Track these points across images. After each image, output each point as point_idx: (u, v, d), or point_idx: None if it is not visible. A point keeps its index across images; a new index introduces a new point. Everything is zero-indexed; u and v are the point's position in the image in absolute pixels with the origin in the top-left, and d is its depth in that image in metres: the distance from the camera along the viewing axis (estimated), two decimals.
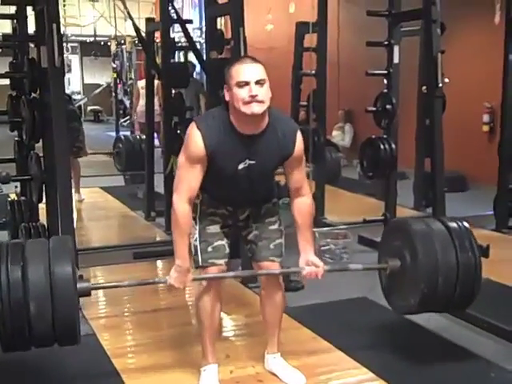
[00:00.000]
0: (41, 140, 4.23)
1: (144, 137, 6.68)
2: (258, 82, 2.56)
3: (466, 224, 3.12)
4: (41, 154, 4.28)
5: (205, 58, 5.07)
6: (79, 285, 2.65)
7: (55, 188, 3.95)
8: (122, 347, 3.49)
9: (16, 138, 4.97)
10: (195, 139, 2.61)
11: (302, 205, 2.84)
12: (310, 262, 2.84)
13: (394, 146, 5.13)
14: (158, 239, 5.65)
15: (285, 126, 2.70)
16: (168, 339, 3.53)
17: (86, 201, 7.20)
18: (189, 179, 2.65)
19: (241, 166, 2.68)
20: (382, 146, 5.12)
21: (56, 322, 2.50)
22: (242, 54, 4.22)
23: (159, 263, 5.10)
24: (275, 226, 2.92)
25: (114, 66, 15.84)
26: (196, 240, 2.82)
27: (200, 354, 2.99)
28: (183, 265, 2.70)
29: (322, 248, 5.12)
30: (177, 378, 3.02)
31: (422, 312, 3.04)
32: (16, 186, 5.32)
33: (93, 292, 4.29)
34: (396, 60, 5.15)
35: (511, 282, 3.84)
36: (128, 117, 15.75)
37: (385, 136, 5.20)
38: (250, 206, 2.89)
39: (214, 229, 2.84)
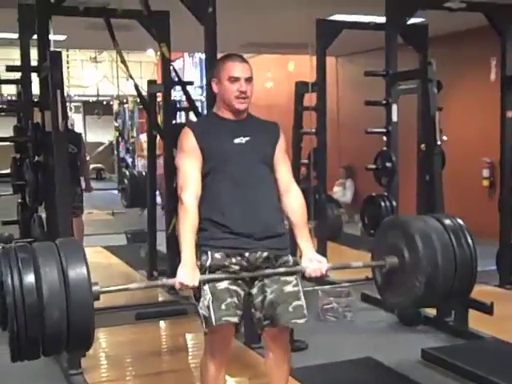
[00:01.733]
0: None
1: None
2: (247, 80, 2.80)
3: (460, 220, 3.22)
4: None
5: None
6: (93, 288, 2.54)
7: None
8: None
9: (19, 200, 5.02)
10: (186, 134, 2.78)
11: (294, 200, 2.87)
12: (312, 259, 2.82)
13: (394, 203, 5.15)
14: (160, 299, 5.62)
15: (264, 120, 2.97)
16: None
17: (89, 261, 7.14)
18: (190, 172, 2.73)
19: (237, 141, 2.79)
20: (382, 204, 5.15)
21: (71, 327, 2.40)
22: None
23: (162, 324, 5.07)
24: (291, 287, 2.80)
25: (116, 124, 16.09)
26: (208, 300, 2.70)
27: None
28: (191, 259, 2.65)
29: (325, 306, 5.09)
30: None
31: (420, 307, 3.02)
32: None
33: (95, 355, 4.37)
34: (395, 118, 5.22)
35: None
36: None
37: (385, 193, 5.23)
38: (261, 236, 2.76)
39: (224, 285, 2.72)
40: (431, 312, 4.86)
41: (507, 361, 3.24)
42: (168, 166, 5.67)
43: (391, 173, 5.20)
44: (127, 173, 8.05)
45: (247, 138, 2.80)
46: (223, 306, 2.67)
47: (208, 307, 2.69)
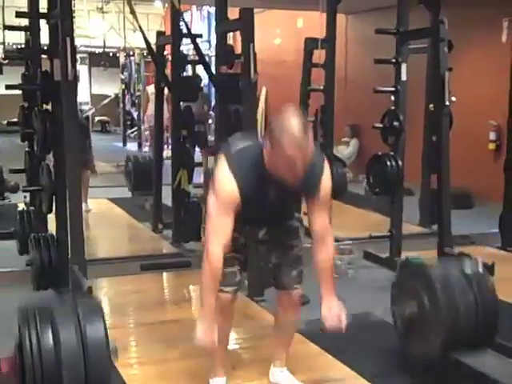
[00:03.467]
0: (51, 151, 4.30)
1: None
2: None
3: (480, 263, 3.16)
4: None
5: (214, 71, 5.12)
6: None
7: (65, 199, 3.99)
8: (128, 358, 3.51)
9: (27, 149, 5.03)
10: (229, 186, 2.57)
11: (326, 251, 2.78)
12: (332, 307, 2.77)
13: (400, 162, 5.15)
14: (164, 251, 5.69)
15: (314, 162, 2.59)
16: (175, 351, 3.54)
17: (94, 212, 7.25)
18: (223, 225, 2.60)
19: (270, 195, 2.71)
20: (388, 163, 5.14)
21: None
22: (252, 69, 4.26)
23: (166, 275, 5.13)
24: (295, 252, 2.92)
25: (123, 77, 15.98)
26: None
27: (208, 365, 3.01)
28: (210, 319, 2.63)
29: None
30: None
31: (441, 355, 3.01)
32: (25, 196, 5.38)
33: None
34: (404, 77, 5.18)
35: None
36: (135, 128, 15.85)
37: (391, 153, 5.23)
38: (269, 223, 2.88)
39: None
40: None
41: (508, 321, 3.27)
42: (175, 118, 5.67)
43: (398, 132, 5.19)
44: (132, 157, 8.04)
45: (278, 192, 2.68)
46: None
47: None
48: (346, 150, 10.48)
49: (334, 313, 2.75)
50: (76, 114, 3.93)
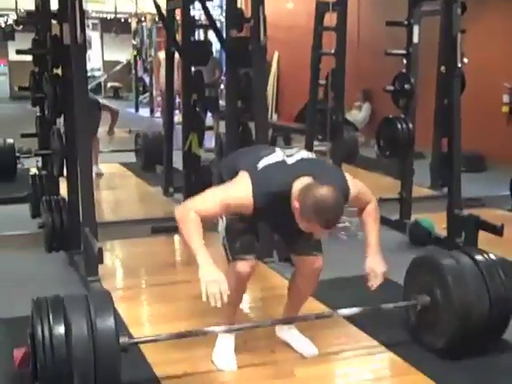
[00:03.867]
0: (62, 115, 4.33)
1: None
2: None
3: (492, 255, 3.12)
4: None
5: (224, 36, 5.09)
6: (121, 339, 2.57)
7: (76, 162, 4.04)
8: (138, 317, 3.60)
9: (38, 114, 5.07)
10: (246, 196, 2.60)
11: (368, 209, 2.95)
12: (376, 268, 2.90)
13: (411, 125, 5.13)
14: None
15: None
16: (185, 310, 3.60)
17: (106, 176, 7.32)
18: (212, 213, 2.63)
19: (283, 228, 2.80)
20: (399, 126, 5.12)
21: (99, 379, 2.44)
22: (262, 32, 4.23)
23: (176, 238, 5.19)
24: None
25: (134, 43, 15.90)
26: (224, 239, 2.85)
27: (216, 324, 3.05)
28: (209, 259, 2.56)
29: (338, 225, 5.16)
30: (193, 345, 3.07)
31: (455, 347, 3.00)
32: (37, 161, 5.43)
33: (112, 265, 4.51)
34: (416, 40, 5.15)
35: None
36: (147, 94, 15.84)
37: (402, 116, 5.21)
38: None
39: (241, 224, 2.81)
40: (442, 233, 4.95)
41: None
42: (185, 82, 5.66)
43: (409, 95, 5.17)
44: (141, 134, 8.00)
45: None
46: (237, 244, 2.81)
47: (224, 246, 2.85)
48: (358, 114, 10.44)
49: (378, 270, 2.88)
50: (86, 77, 3.94)
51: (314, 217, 2.51)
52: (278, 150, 2.81)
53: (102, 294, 2.77)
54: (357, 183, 2.84)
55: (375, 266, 2.87)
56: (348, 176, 2.79)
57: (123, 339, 2.59)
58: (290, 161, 2.73)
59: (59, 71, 4.37)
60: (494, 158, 7.91)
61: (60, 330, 2.43)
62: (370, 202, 2.94)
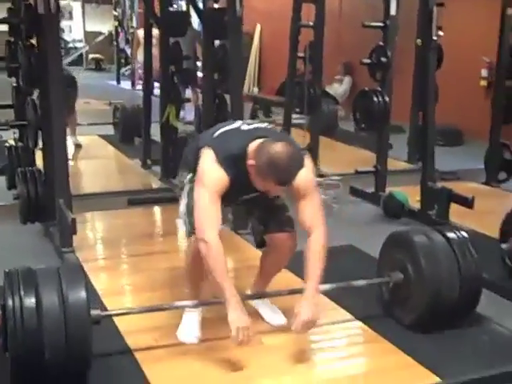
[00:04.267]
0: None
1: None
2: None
3: (464, 233, 3.16)
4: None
5: (202, 7, 5.06)
6: (92, 312, 2.59)
7: (51, 134, 4.03)
8: (113, 287, 3.62)
9: (14, 84, 5.04)
10: (217, 173, 2.58)
11: (314, 243, 2.75)
12: (309, 305, 2.70)
13: (387, 98, 5.16)
14: (153, 186, 5.76)
15: None
16: (161, 280, 3.62)
17: (84, 148, 7.30)
18: (215, 213, 2.60)
19: (244, 197, 2.78)
20: (375, 99, 5.14)
21: (70, 351, 2.46)
22: (238, 2, 4.22)
23: (154, 209, 5.21)
24: (280, 201, 2.94)
25: (116, 13, 15.73)
26: (184, 215, 2.83)
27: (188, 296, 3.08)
28: (236, 301, 2.58)
29: None
30: (164, 316, 3.07)
31: (425, 323, 3.04)
32: (14, 132, 5.41)
33: (88, 236, 4.53)
34: (393, 12, 5.14)
35: (495, 234, 3.93)
36: (129, 66, 15.70)
37: (379, 89, 5.23)
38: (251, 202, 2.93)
39: None
40: (416, 206, 5.01)
41: (482, 253, 3.35)
42: (163, 54, 5.64)
43: (385, 68, 5.19)
44: (119, 106, 7.96)
45: (254, 194, 2.75)
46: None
47: (185, 222, 2.83)
48: (339, 87, 10.44)
49: (304, 318, 2.66)
50: (59, 47, 3.92)
51: (269, 173, 2.51)
52: (237, 121, 2.85)
53: (74, 266, 2.80)
54: (312, 169, 2.76)
55: (304, 313, 2.66)
56: (306, 156, 2.74)
57: (95, 312, 2.61)
58: (245, 128, 2.76)
59: (34, 41, 4.34)
60: (472, 132, 7.98)
61: (31, 302, 2.45)
62: (319, 228, 2.75)
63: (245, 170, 2.61)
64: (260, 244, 3.06)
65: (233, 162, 2.60)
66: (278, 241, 2.96)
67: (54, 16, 3.81)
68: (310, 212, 2.73)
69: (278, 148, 2.51)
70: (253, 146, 2.61)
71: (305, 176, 2.65)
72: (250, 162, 2.55)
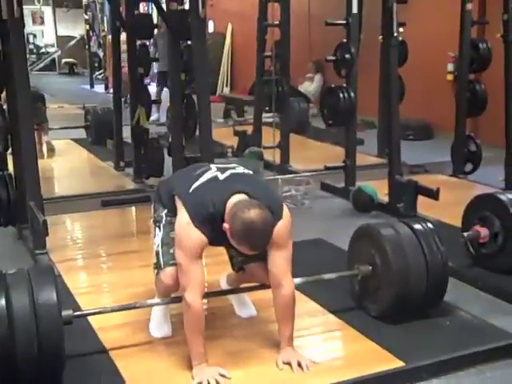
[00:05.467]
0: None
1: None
2: None
3: (430, 225, 3.23)
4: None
5: (165, 9, 5.11)
6: (64, 313, 2.62)
7: (19, 137, 4.06)
8: (86, 287, 3.67)
9: None
10: (194, 234, 2.58)
11: (281, 298, 2.75)
12: (286, 361, 2.74)
13: (353, 94, 5.26)
14: (126, 188, 5.81)
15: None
16: (133, 279, 3.64)
17: (57, 152, 7.34)
18: (197, 274, 2.61)
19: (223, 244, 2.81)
20: (341, 95, 5.24)
21: (42, 352, 2.48)
22: (200, 3, 4.27)
23: (127, 210, 5.26)
24: None
25: (86, 17, 15.72)
26: (158, 246, 2.85)
27: None
28: (202, 361, 2.64)
29: (284, 194, 5.31)
30: (137, 313, 3.09)
31: (394, 313, 3.11)
32: None
33: (61, 237, 4.55)
34: (354, 10, 5.24)
35: (460, 223, 4.03)
36: (102, 70, 15.70)
37: (344, 85, 5.33)
38: None
39: None
40: (384, 199, 5.11)
41: (447, 242, 3.44)
42: (131, 56, 5.69)
43: (350, 64, 5.28)
44: (91, 110, 8.07)
45: None
46: (171, 251, 2.78)
47: (157, 253, 2.84)
48: (310, 85, 10.56)
49: (294, 362, 2.71)
50: (24, 52, 3.96)
51: (243, 240, 2.53)
52: (212, 166, 2.82)
53: (44, 267, 2.81)
54: (289, 221, 2.73)
55: (290, 358, 2.73)
56: (285, 206, 2.75)
57: (66, 312, 2.64)
58: (221, 176, 2.72)
59: None
60: (441, 126, 8.12)
61: (1, 304, 2.46)
62: (287, 283, 2.74)
63: (219, 232, 2.59)
64: (238, 270, 3.08)
65: (210, 223, 2.60)
66: (257, 270, 2.92)
67: (18, 21, 3.84)
68: (282, 264, 2.73)
69: (252, 215, 2.48)
70: (230, 203, 2.58)
71: (281, 228, 2.66)
72: (226, 225, 2.55)
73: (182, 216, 2.63)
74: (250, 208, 2.50)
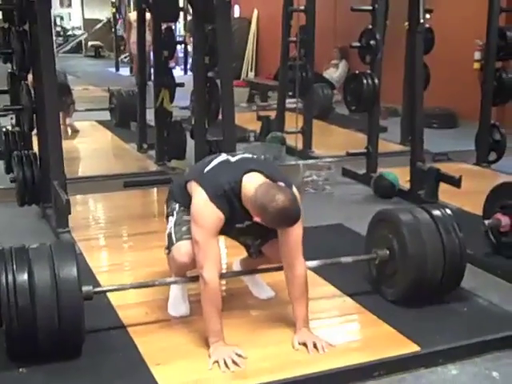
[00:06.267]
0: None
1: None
2: None
3: (448, 211, 3.22)
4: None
5: None
6: (84, 288, 2.66)
7: (44, 117, 4.11)
8: (106, 265, 3.73)
9: (9, 70, 5.11)
10: (211, 211, 2.62)
11: (295, 279, 2.78)
12: (302, 342, 2.75)
13: (376, 81, 5.23)
14: (148, 169, 5.87)
15: None
16: (153, 259, 3.59)
17: (81, 133, 7.41)
18: (214, 250, 2.67)
19: (238, 226, 2.81)
20: (364, 81, 5.21)
21: (62, 326, 2.52)
22: None
23: (149, 191, 5.30)
24: None
25: (113, 0, 15.77)
26: (170, 228, 2.89)
27: None
28: (219, 339, 2.66)
29: (305, 179, 5.31)
30: (155, 291, 3.15)
31: (410, 298, 3.12)
32: (11, 118, 5.49)
33: (84, 217, 4.62)
34: None
35: (481, 212, 4.01)
36: (128, 53, 15.76)
37: (368, 71, 5.30)
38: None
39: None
40: (406, 186, 5.10)
41: (468, 230, 3.43)
42: (156, 39, 5.72)
43: (375, 51, 5.25)
44: (115, 92, 8.07)
45: (249, 223, 2.76)
46: (184, 228, 2.84)
47: (170, 234, 2.88)
48: (335, 72, 10.50)
49: (310, 343, 2.73)
50: (51, 33, 3.99)
51: (281, 224, 2.62)
52: (223, 154, 2.90)
53: (66, 243, 2.86)
54: (299, 199, 2.73)
55: (306, 339, 2.74)
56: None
57: (86, 288, 2.69)
58: (233, 159, 2.80)
59: (26, 26, 4.41)
60: (466, 114, 8.03)
61: (23, 278, 2.51)
62: (300, 262, 2.78)
63: (238, 204, 2.67)
64: (257, 255, 3.09)
65: (225, 198, 2.65)
66: (275, 249, 2.89)
67: (46, 2, 3.87)
68: (293, 244, 2.76)
69: (281, 202, 2.51)
70: (247, 181, 2.64)
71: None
72: (256, 218, 2.60)
73: (199, 194, 2.68)
74: (275, 195, 2.52)
